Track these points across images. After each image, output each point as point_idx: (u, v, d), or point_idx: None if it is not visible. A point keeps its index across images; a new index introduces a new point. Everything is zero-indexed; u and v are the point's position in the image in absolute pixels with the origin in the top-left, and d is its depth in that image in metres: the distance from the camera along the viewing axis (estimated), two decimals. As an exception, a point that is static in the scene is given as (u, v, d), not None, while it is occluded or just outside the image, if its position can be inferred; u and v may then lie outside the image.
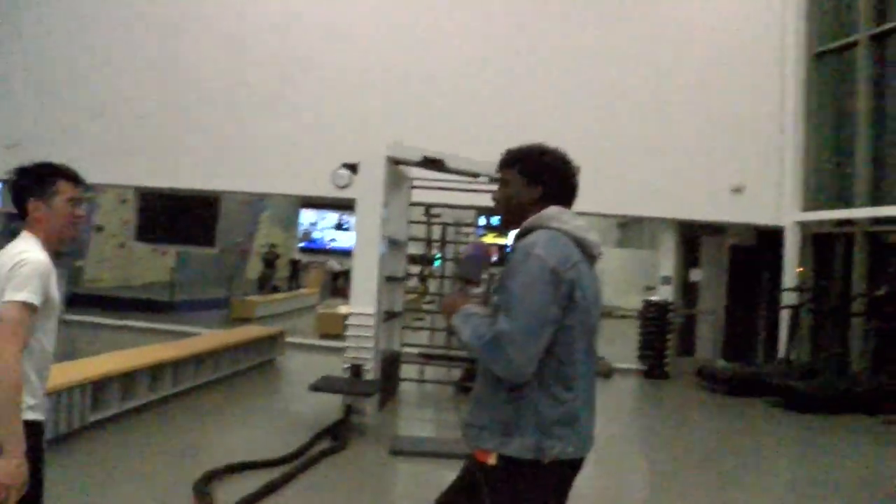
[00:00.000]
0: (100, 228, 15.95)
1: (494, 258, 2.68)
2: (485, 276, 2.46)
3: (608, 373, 10.76)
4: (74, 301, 13.54)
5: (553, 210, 2.29)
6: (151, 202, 13.30)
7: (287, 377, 9.69)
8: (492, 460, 2.16)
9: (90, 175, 10.62)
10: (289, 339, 10.84)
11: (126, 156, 11.64)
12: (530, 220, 2.29)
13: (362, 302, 7.35)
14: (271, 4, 11.59)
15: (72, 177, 2.47)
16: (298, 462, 5.48)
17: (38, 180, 2.43)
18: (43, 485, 2.41)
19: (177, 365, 7.50)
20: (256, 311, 14.78)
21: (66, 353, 7.98)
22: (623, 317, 16.88)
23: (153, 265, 17.84)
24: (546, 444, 2.12)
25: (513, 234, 2.38)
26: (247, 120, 11.27)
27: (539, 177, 2.33)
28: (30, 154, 9.90)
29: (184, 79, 11.60)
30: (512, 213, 2.38)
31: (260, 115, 11.31)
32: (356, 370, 7.04)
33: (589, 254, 2.29)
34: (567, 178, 2.37)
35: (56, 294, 2.37)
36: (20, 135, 11.96)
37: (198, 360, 7.95)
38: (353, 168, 7.98)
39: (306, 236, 22.68)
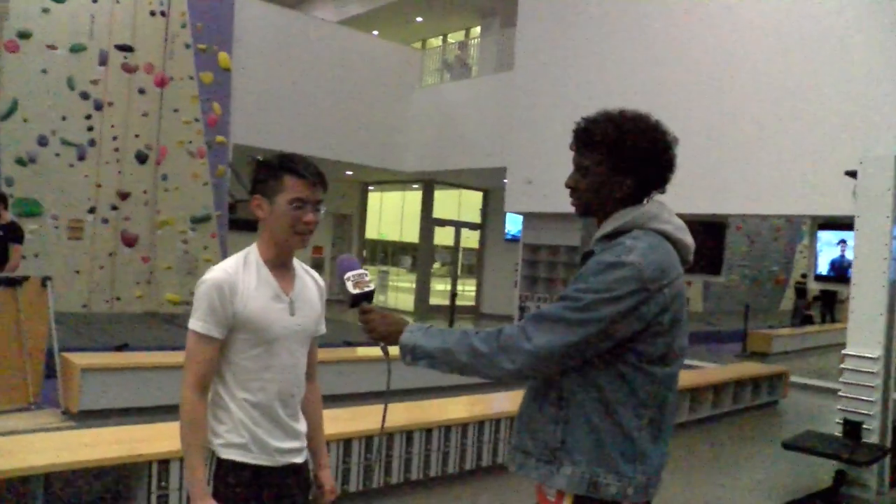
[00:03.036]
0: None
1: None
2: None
3: None
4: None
5: (654, 206, 1.81)
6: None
7: (783, 425, 8.29)
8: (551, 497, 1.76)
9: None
10: (804, 380, 9.52)
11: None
12: (625, 219, 1.78)
13: (862, 342, 5.82)
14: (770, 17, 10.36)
15: (301, 173, 2.02)
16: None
17: (264, 173, 2.05)
18: None
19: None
20: (773, 345, 13.38)
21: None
22: None
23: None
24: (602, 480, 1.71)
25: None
26: (751, 136, 10.18)
27: (631, 164, 1.78)
28: (539, 189, 10.36)
29: (680, 103, 11.04)
30: (595, 207, 1.85)
31: (765, 129, 10.14)
32: (852, 429, 5.58)
33: (684, 259, 1.82)
34: (665, 161, 1.81)
35: (255, 312, 2.01)
36: (533, 172, 12.80)
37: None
38: (854, 175, 6.50)
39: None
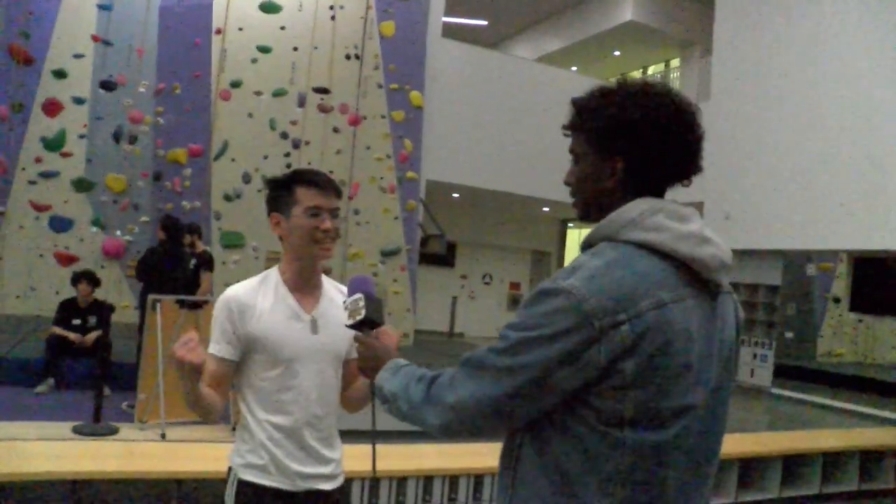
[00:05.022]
0: (836, 300, 14.79)
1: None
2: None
3: None
4: (804, 376, 12.79)
5: (638, 206, 1.34)
6: (867, 267, 11.66)
7: None
8: None
9: (802, 240, 9.87)
10: None
11: (835, 217, 10.50)
12: (598, 226, 1.38)
13: None
14: None
15: (312, 181, 2.01)
16: None
17: (277, 190, 2.05)
18: None
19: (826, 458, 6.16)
20: None
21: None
22: None
23: (902, 340, 15.65)
24: None
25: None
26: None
27: (620, 142, 1.36)
28: (737, 225, 9.79)
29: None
30: (589, 204, 1.45)
31: None
32: None
33: (705, 280, 1.34)
34: (673, 140, 1.35)
35: (267, 331, 1.99)
36: (731, 206, 12.01)
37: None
38: None
39: None
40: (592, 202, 1.44)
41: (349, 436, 2.31)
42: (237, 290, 2.02)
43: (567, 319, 1.23)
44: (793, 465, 5.90)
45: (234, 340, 1.98)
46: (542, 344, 1.24)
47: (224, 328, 1.98)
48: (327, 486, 2.05)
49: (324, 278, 2.16)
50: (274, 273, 2.09)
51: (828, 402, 11.12)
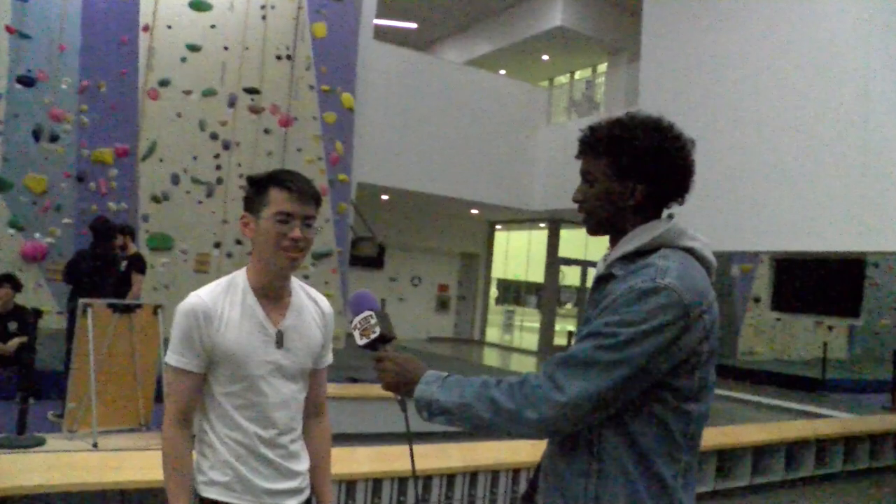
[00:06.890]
0: (756, 300, 15.36)
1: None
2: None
3: None
4: (726, 374, 13.24)
5: (679, 221, 1.60)
6: (787, 268, 12.15)
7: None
8: None
9: (725, 242, 10.11)
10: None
11: (758, 219, 10.89)
12: (651, 235, 1.56)
13: None
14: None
15: (286, 185, 1.86)
16: None
17: (252, 189, 1.91)
18: None
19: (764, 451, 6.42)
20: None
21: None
22: None
23: (815, 339, 16.33)
24: None
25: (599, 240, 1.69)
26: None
27: (641, 167, 1.57)
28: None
29: (816, 135, 10.36)
30: (604, 220, 1.63)
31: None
32: None
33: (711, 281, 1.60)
34: (680, 164, 1.59)
35: (232, 343, 1.86)
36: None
37: (791, 447, 6.66)
38: None
39: None
40: (609, 219, 1.62)
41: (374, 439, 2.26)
42: (203, 297, 1.87)
43: (671, 312, 1.43)
44: (725, 458, 6.12)
45: (201, 351, 1.86)
46: (649, 336, 1.42)
47: (190, 338, 1.85)
48: (293, 500, 1.97)
49: (295, 283, 2.03)
50: (241, 278, 1.95)
51: (752, 398, 11.52)
